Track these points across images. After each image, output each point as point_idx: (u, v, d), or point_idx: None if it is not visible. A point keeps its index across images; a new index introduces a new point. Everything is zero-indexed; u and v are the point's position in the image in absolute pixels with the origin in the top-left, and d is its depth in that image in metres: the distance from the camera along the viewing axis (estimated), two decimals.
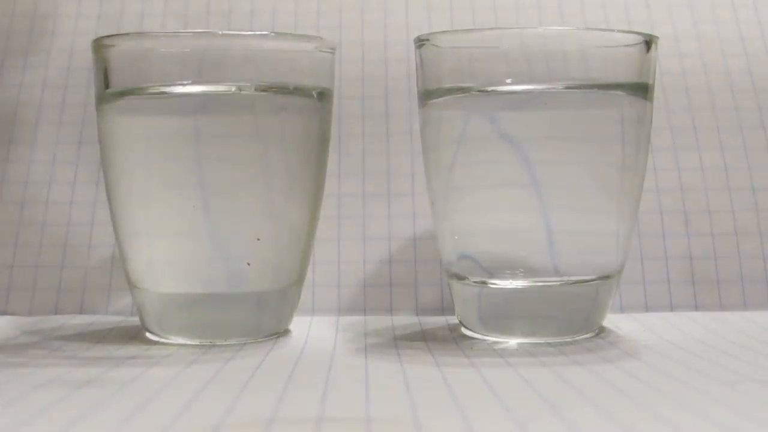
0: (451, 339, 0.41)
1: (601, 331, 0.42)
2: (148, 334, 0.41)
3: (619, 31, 0.40)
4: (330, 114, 0.42)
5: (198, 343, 0.40)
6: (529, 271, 0.40)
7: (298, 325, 0.43)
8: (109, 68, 0.40)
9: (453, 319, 0.44)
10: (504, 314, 0.40)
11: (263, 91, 0.39)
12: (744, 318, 0.45)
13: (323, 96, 0.41)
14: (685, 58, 0.53)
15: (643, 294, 0.48)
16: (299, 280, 0.42)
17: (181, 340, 0.40)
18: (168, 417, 0.28)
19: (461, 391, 0.31)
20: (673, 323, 0.44)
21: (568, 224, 0.39)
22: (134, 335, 0.42)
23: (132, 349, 0.39)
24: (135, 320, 0.44)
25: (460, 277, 0.41)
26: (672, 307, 0.47)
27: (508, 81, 0.39)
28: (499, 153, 0.39)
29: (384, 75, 0.53)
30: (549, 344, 0.39)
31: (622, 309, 0.47)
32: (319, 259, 0.48)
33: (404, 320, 0.46)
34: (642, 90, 0.40)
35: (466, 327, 0.42)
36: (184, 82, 0.39)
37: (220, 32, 0.42)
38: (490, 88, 0.39)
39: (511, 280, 0.40)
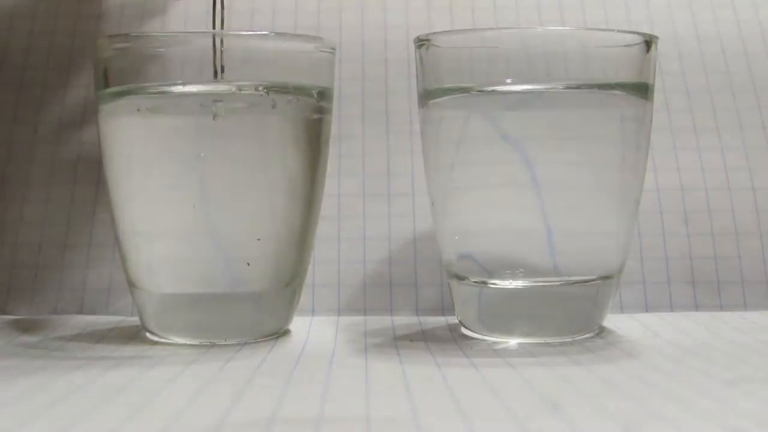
0: (451, 339, 0.41)
1: (601, 331, 0.42)
2: (147, 334, 0.41)
3: (619, 31, 0.40)
4: (330, 114, 0.42)
5: (198, 343, 0.40)
6: (529, 271, 0.40)
7: (298, 325, 0.43)
8: (109, 68, 0.40)
9: (453, 319, 0.44)
10: (504, 314, 0.40)
11: (263, 91, 0.39)
12: (744, 318, 0.45)
13: (323, 96, 0.41)
14: (685, 58, 0.53)
15: (643, 294, 0.48)
16: (299, 280, 0.42)
17: (181, 340, 0.40)
18: (168, 417, 0.28)
19: (461, 391, 0.31)
20: (673, 323, 0.44)
21: (568, 224, 0.39)
22: (134, 335, 0.42)
23: (132, 349, 0.39)
24: (135, 320, 0.44)
25: (460, 277, 0.41)
26: (672, 307, 0.47)
27: (508, 81, 0.39)
28: (499, 153, 0.39)
29: (384, 75, 0.53)
30: (549, 344, 0.39)
31: (622, 309, 0.47)
32: (319, 259, 0.48)
33: (404, 320, 0.46)
34: (642, 90, 0.40)
35: (466, 327, 0.42)
36: (184, 82, 0.39)
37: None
38: (490, 88, 0.39)
39: (511, 280, 0.40)
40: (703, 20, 0.55)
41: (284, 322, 0.42)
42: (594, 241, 0.40)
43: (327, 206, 0.46)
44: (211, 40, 0.40)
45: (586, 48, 0.39)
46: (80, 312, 0.47)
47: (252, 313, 0.41)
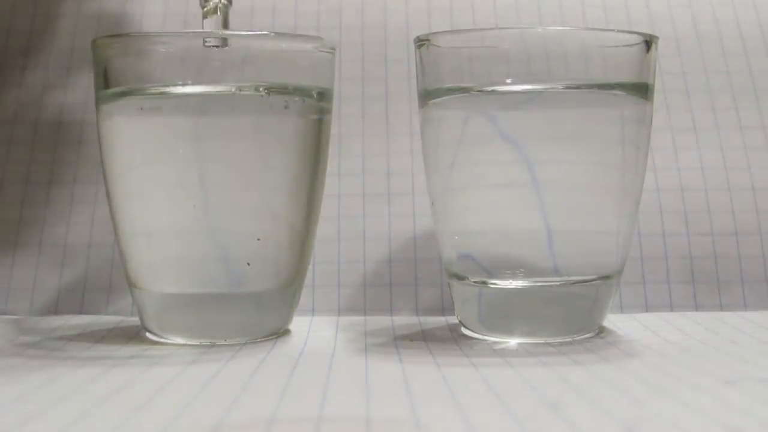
0: (451, 339, 0.41)
1: (601, 331, 0.42)
2: (148, 334, 0.41)
3: (619, 31, 0.40)
4: (330, 114, 0.42)
5: (198, 343, 0.40)
6: (529, 271, 0.40)
7: (298, 325, 0.43)
8: (109, 68, 0.40)
9: (453, 319, 0.44)
10: (504, 314, 0.40)
11: (264, 91, 0.39)
12: (744, 318, 0.45)
13: (323, 96, 0.41)
14: (685, 58, 0.53)
15: (643, 294, 0.48)
16: (299, 280, 0.42)
17: (181, 340, 0.40)
18: (168, 417, 0.28)
19: (461, 391, 0.31)
20: (673, 323, 0.44)
21: (568, 224, 0.39)
22: (134, 335, 0.42)
23: (132, 349, 0.39)
24: (135, 320, 0.44)
25: (460, 277, 0.41)
26: (672, 307, 0.47)
27: (508, 81, 0.39)
28: (499, 153, 0.39)
29: (384, 75, 0.53)
30: (549, 344, 0.39)
31: (622, 309, 0.47)
32: (319, 259, 0.48)
33: (404, 320, 0.46)
34: (642, 90, 0.40)
35: (466, 327, 0.42)
36: (184, 82, 0.39)
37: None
38: (490, 88, 0.39)
39: (511, 280, 0.40)
40: (703, 20, 0.55)
41: (284, 322, 0.42)
42: (594, 241, 0.40)
43: (327, 206, 0.46)
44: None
45: (586, 48, 0.39)
46: (80, 312, 0.47)
47: (252, 313, 0.41)
